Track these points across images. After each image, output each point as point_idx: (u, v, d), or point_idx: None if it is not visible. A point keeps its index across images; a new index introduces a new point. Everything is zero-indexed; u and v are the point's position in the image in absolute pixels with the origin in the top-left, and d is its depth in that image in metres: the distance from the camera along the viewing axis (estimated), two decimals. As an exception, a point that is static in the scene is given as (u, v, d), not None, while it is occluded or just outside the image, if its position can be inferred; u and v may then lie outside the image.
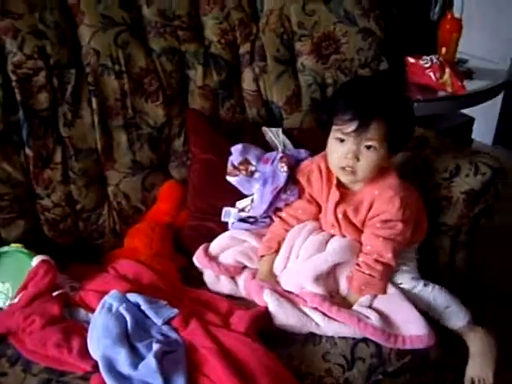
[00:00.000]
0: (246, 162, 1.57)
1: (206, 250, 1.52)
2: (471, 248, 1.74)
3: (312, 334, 1.35)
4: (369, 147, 1.36)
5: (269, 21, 1.78)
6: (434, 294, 1.43)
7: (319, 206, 1.51)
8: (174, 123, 1.69)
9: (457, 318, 1.43)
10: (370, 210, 1.43)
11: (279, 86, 1.80)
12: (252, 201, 1.54)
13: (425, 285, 1.44)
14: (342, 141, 1.37)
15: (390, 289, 1.40)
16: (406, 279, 1.45)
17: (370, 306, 1.37)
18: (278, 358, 1.23)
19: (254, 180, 1.56)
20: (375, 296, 1.39)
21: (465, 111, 2.69)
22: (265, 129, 1.73)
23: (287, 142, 1.70)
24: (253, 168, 1.57)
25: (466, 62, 2.55)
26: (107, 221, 1.64)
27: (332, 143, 1.41)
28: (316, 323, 1.34)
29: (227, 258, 1.49)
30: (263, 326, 1.32)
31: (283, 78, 1.80)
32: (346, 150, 1.37)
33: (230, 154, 1.61)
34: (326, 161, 1.48)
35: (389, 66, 2.09)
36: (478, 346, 1.42)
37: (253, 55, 1.78)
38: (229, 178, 1.57)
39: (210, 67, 1.73)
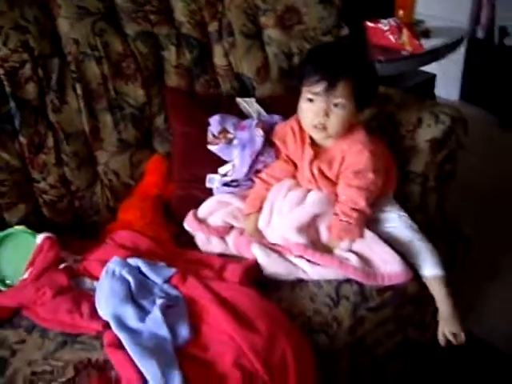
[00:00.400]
0: (224, 130, 1.68)
1: (195, 215, 1.63)
2: (440, 193, 1.88)
3: (299, 280, 1.48)
4: (336, 105, 1.48)
5: (233, -2, 1.89)
6: (414, 235, 1.56)
7: (295, 165, 1.63)
8: (154, 102, 1.79)
9: (430, 266, 1.54)
10: (342, 163, 1.55)
11: (248, 58, 1.91)
12: (233, 166, 1.65)
13: (410, 224, 1.57)
14: (312, 101, 1.49)
15: (367, 233, 1.52)
16: (392, 220, 1.58)
17: (349, 250, 1.50)
18: (270, 302, 1.37)
19: (233, 146, 1.67)
20: (354, 241, 1.51)
21: (428, 69, 2.81)
22: (239, 100, 1.84)
23: (261, 109, 1.81)
24: (231, 135, 1.68)
25: (423, 23, 2.66)
26: (100, 198, 1.73)
27: (303, 104, 1.52)
28: (302, 269, 1.47)
29: (215, 219, 1.60)
30: (254, 276, 1.45)
31: (251, 51, 1.91)
32: (316, 109, 1.49)
33: (208, 125, 1.71)
34: (298, 123, 1.60)
35: (349, 31, 2.20)
36: (449, 306, 1.54)
37: (221, 32, 1.88)
38: (210, 147, 1.68)
39: (182, 47, 1.83)
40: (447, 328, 1.54)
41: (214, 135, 1.68)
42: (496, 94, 3.72)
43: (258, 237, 1.55)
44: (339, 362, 1.46)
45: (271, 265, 1.47)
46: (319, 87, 1.47)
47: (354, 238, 1.51)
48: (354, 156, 1.54)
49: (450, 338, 1.53)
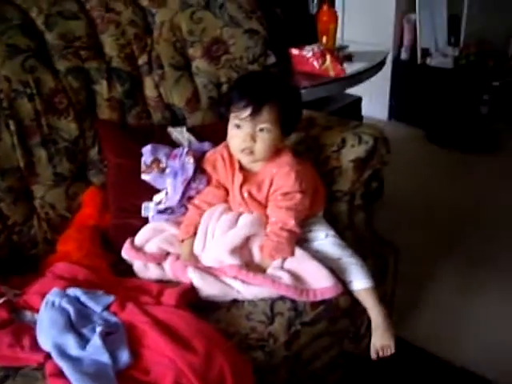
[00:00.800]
0: (156, 160, 1.73)
1: (132, 243, 1.67)
2: (368, 210, 1.97)
3: (235, 301, 1.54)
4: (262, 129, 1.56)
5: (162, 32, 1.94)
6: (342, 252, 1.63)
7: (226, 190, 1.70)
8: (88, 135, 1.83)
9: (359, 280, 1.61)
10: (270, 186, 1.63)
11: (178, 89, 1.97)
12: (166, 193, 1.71)
13: (338, 243, 1.65)
14: (239, 126, 1.57)
15: (298, 251, 1.59)
16: (321, 239, 1.66)
17: (281, 268, 1.56)
18: (206, 323, 1.42)
19: (166, 175, 1.72)
20: (285, 259, 1.58)
21: (356, 92, 2.93)
22: (170, 129, 1.90)
23: (192, 138, 1.87)
24: (163, 165, 1.73)
25: (346, 48, 2.78)
26: (38, 231, 1.75)
27: (231, 130, 1.60)
28: (237, 290, 1.52)
29: (152, 247, 1.65)
30: (191, 299, 1.50)
31: (181, 82, 1.97)
32: (243, 134, 1.56)
33: (141, 155, 1.76)
34: (227, 149, 1.67)
35: (276, 59, 2.29)
36: (380, 319, 1.62)
37: (151, 65, 1.94)
38: (143, 177, 1.73)
39: (113, 80, 1.88)
40: (378, 342, 1.62)
41: (146, 165, 1.73)
42: (422, 110, 3.90)
43: (194, 261, 1.61)
44: (277, 376, 1.52)
45: (206, 287, 1.52)
46: (245, 113, 1.54)
47: (286, 256, 1.58)
48: (281, 178, 1.61)
49: (380, 352, 1.62)
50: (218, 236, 1.60)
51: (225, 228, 1.60)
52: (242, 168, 1.66)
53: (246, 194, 1.63)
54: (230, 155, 1.67)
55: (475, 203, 3.10)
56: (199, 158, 1.73)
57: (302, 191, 1.62)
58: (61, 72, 1.79)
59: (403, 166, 3.35)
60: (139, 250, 1.66)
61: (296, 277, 1.55)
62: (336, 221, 1.82)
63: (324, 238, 1.66)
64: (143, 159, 1.74)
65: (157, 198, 1.72)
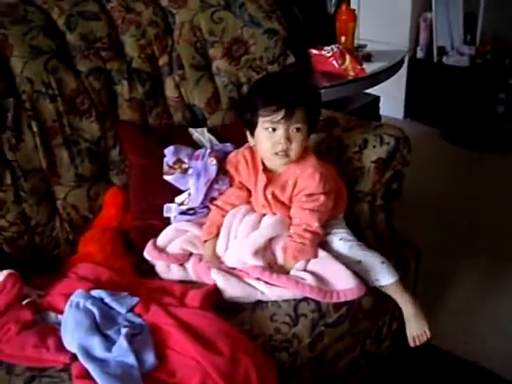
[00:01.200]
0: (179, 161, 1.74)
1: (155, 244, 1.67)
2: (389, 210, 1.97)
3: (259, 302, 1.54)
4: (298, 129, 1.56)
5: (182, 32, 1.95)
6: (362, 253, 1.63)
7: (249, 191, 1.70)
8: (109, 136, 1.84)
9: (384, 276, 1.62)
10: (294, 187, 1.62)
11: (199, 89, 1.98)
12: (189, 194, 1.71)
13: (356, 245, 1.64)
14: (273, 129, 1.55)
15: (321, 252, 1.59)
16: (337, 242, 1.65)
17: (305, 270, 1.56)
18: (231, 325, 1.42)
19: (189, 176, 1.72)
20: (308, 261, 1.58)
21: (372, 91, 2.92)
22: (191, 130, 1.91)
23: (213, 138, 1.88)
24: (186, 165, 1.74)
25: (365, 47, 2.77)
26: (60, 232, 1.76)
27: (263, 134, 1.58)
28: (261, 291, 1.52)
29: (174, 247, 1.65)
30: (215, 301, 1.50)
31: (201, 83, 1.98)
32: (279, 137, 1.55)
33: (163, 156, 1.77)
34: (249, 151, 1.68)
35: (295, 59, 2.29)
36: (411, 308, 1.63)
37: (171, 65, 1.95)
38: (166, 177, 1.73)
39: (134, 81, 1.88)
40: (414, 330, 1.63)
41: (169, 165, 1.74)
42: (437, 109, 3.89)
43: (216, 262, 1.61)
44: (301, 377, 1.52)
45: (230, 288, 1.52)
46: (279, 116, 1.53)
47: (309, 258, 1.58)
48: (305, 180, 1.61)
49: (417, 340, 1.63)
50: (240, 237, 1.60)
51: (248, 229, 1.60)
52: (265, 169, 1.65)
53: (269, 196, 1.63)
54: (253, 157, 1.67)
55: (492, 202, 3.08)
56: (222, 159, 1.74)
57: (325, 193, 1.62)
58: (82, 73, 1.79)
59: (419, 165, 3.29)
60: (162, 250, 1.66)
61: (319, 278, 1.54)
62: (358, 221, 1.83)
63: (339, 241, 1.66)
64: (165, 160, 1.75)
65: (179, 198, 1.72)
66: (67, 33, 1.78)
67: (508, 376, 2.03)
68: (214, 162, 1.70)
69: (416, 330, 1.63)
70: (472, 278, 2.51)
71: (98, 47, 1.82)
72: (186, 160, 1.74)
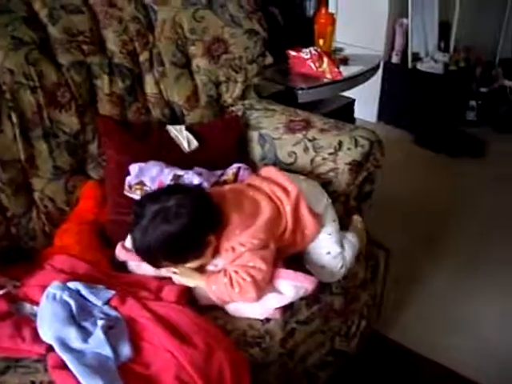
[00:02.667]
0: (141, 183, 1.72)
1: (123, 245, 1.66)
2: (361, 212, 2.01)
3: (233, 299, 1.57)
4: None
5: (163, 29, 1.97)
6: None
7: None
8: (88, 129, 1.84)
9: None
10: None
11: (178, 87, 2.00)
12: None
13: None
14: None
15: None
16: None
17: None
18: (206, 319, 1.45)
19: None
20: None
21: (347, 93, 2.96)
22: (169, 127, 1.92)
23: (190, 137, 1.89)
24: (147, 189, 1.71)
25: (342, 51, 2.81)
26: (37, 224, 1.76)
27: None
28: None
29: None
30: (190, 297, 1.53)
31: (181, 80, 2.00)
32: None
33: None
34: None
35: (274, 60, 2.33)
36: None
37: (152, 62, 1.96)
38: (125, 193, 1.73)
39: (114, 76, 1.89)
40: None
41: (130, 185, 1.73)
42: (410, 113, 3.95)
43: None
44: (272, 372, 1.55)
45: (206, 297, 1.53)
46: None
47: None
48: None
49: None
50: None
51: None
52: None
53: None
54: None
55: (462, 206, 3.15)
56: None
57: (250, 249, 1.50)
58: (63, 66, 1.79)
59: (391, 169, 3.37)
60: (129, 250, 1.64)
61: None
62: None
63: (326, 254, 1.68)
64: (128, 179, 1.73)
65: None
66: (49, 25, 1.78)
67: (470, 375, 2.09)
68: None
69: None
70: (438, 279, 2.58)
71: (80, 41, 1.83)
72: (148, 183, 1.71)
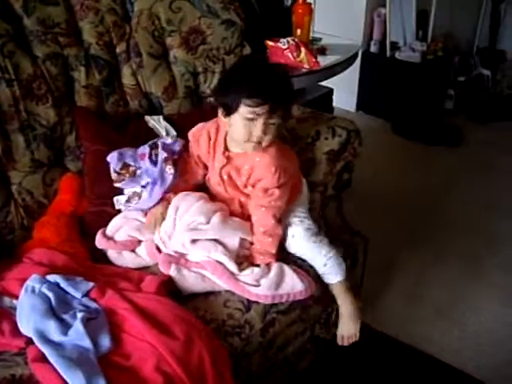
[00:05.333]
0: (125, 165, 1.73)
1: (104, 233, 1.69)
2: (339, 200, 2.03)
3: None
4: (274, 124, 1.57)
5: (140, 20, 1.96)
6: (309, 253, 1.68)
7: (205, 166, 1.75)
8: (65, 121, 1.84)
9: (332, 275, 1.69)
10: (250, 175, 1.66)
11: (156, 78, 1.99)
12: (139, 196, 1.72)
13: (305, 244, 1.68)
14: (252, 119, 1.55)
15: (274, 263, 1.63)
16: (290, 240, 1.70)
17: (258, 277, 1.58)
18: (186, 310, 1.46)
19: (138, 177, 1.73)
20: (266, 265, 1.61)
21: (326, 83, 2.97)
22: (147, 117, 1.92)
23: (169, 126, 1.90)
24: (133, 168, 1.73)
25: (320, 40, 2.82)
26: (15, 217, 1.76)
27: (241, 121, 1.56)
28: (218, 284, 1.57)
29: (121, 235, 1.67)
30: (171, 288, 1.54)
31: (159, 71, 1.99)
32: (257, 128, 1.55)
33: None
34: (216, 128, 1.69)
35: (251, 50, 2.31)
36: (347, 309, 1.72)
37: (129, 53, 1.95)
38: (116, 185, 1.73)
39: (91, 67, 1.89)
40: (346, 329, 1.74)
41: (117, 172, 1.73)
42: (389, 102, 3.98)
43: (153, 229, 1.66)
44: (252, 361, 1.57)
45: (188, 286, 1.56)
46: (263, 110, 1.53)
47: (272, 259, 1.63)
48: (261, 170, 1.64)
49: (345, 341, 1.74)
50: (185, 223, 1.62)
51: (195, 215, 1.62)
52: (225, 149, 1.68)
53: (225, 176, 1.68)
54: (217, 135, 1.69)
55: (439, 194, 3.18)
56: (173, 159, 1.75)
57: (279, 186, 1.65)
58: (39, 58, 1.79)
59: (369, 157, 3.40)
60: (110, 238, 1.67)
61: (273, 282, 1.57)
62: (310, 210, 1.85)
63: (292, 238, 1.70)
64: (112, 167, 1.73)
65: (127, 194, 1.74)
66: (24, 17, 1.76)
67: (448, 360, 2.12)
68: (172, 170, 1.71)
69: (347, 330, 1.73)
70: (418, 267, 2.60)
71: (56, 32, 1.81)
72: (131, 163, 1.73)
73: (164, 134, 1.88)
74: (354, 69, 3.71)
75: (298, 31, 2.59)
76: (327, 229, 1.89)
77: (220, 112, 1.63)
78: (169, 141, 1.79)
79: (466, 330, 2.28)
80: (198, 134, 1.74)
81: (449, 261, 2.65)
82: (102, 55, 1.91)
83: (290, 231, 1.70)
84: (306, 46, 2.45)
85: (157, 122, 1.91)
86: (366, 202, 2.97)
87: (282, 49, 2.41)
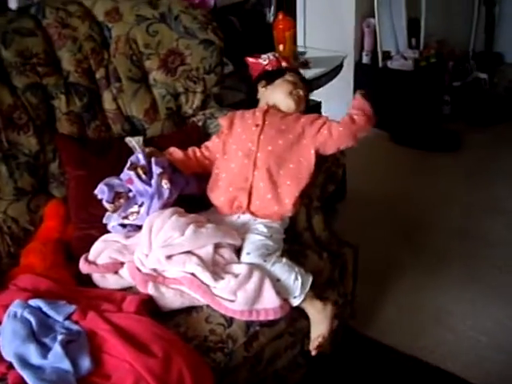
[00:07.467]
0: (117, 194, 1.74)
1: (87, 258, 1.70)
2: (326, 212, 2.03)
3: (194, 306, 1.59)
4: (302, 95, 1.98)
5: (118, 46, 2.00)
6: (278, 271, 1.65)
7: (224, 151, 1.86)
8: (48, 149, 1.88)
9: (294, 295, 1.64)
10: (302, 133, 1.85)
11: (136, 101, 2.02)
12: (138, 212, 1.73)
13: (273, 263, 1.65)
14: (294, 83, 1.98)
15: (255, 273, 1.60)
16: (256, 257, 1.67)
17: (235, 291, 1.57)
18: (165, 328, 1.47)
19: (133, 199, 1.74)
20: (244, 278, 1.58)
21: (320, 96, 2.98)
22: (128, 138, 1.94)
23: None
24: (125, 193, 1.74)
25: (304, 54, 2.83)
26: (1, 245, 1.78)
27: (285, 83, 1.96)
28: (197, 299, 1.58)
29: (103, 258, 1.68)
30: (151, 306, 1.55)
31: (139, 94, 2.03)
32: (298, 88, 1.97)
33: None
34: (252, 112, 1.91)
35: (234, 68, 2.35)
36: (316, 317, 1.68)
37: (108, 78, 1.99)
38: (115, 214, 1.74)
39: (71, 95, 1.93)
40: (312, 334, 1.69)
41: (111, 203, 1.73)
42: (385, 112, 3.96)
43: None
44: (238, 376, 1.57)
45: (167, 303, 1.57)
46: (297, 77, 2.02)
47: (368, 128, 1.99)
48: (296, 124, 1.86)
49: (316, 342, 1.68)
50: (161, 239, 1.63)
51: (170, 231, 1.63)
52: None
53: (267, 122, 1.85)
54: (255, 111, 1.91)
55: (439, 201, 3.17)
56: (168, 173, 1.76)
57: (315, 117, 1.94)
58: (19, 89, 1.83)
59: (369, 168, 3.43)
60: (92, 263, 1.69)
61: (249, 297, 1.57)
62: (295, 223, 1.87)
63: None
64: (104, 199, 1.74)
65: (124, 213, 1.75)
66: (2, 49, 1.81)
67: (447, 367, 2.10)
68: (168, 185, 1.72)
69: (318, 333, 1.68)
70: (415, 275, 2.59)
71: (35, 63, 1.86)
72: (121, 190, 1.75)
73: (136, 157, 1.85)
74: (347, 81, 3.73)
75: (281, 46, 2.61)
76: (314, 242, 1.89)
77: (261, 86, 2.00)
78: (140, 155, 1.79)
79: (463, 337, 2.25)
80: (233, 115, 1.93)
81: (445, 268, 2.63)
82: (82, 82, 1.95)
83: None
84: (286, 61, 2.47)
85: (137, 143, 1.92)
86: (365, 211, 2.97)
87: (263, 65, 2.43)
